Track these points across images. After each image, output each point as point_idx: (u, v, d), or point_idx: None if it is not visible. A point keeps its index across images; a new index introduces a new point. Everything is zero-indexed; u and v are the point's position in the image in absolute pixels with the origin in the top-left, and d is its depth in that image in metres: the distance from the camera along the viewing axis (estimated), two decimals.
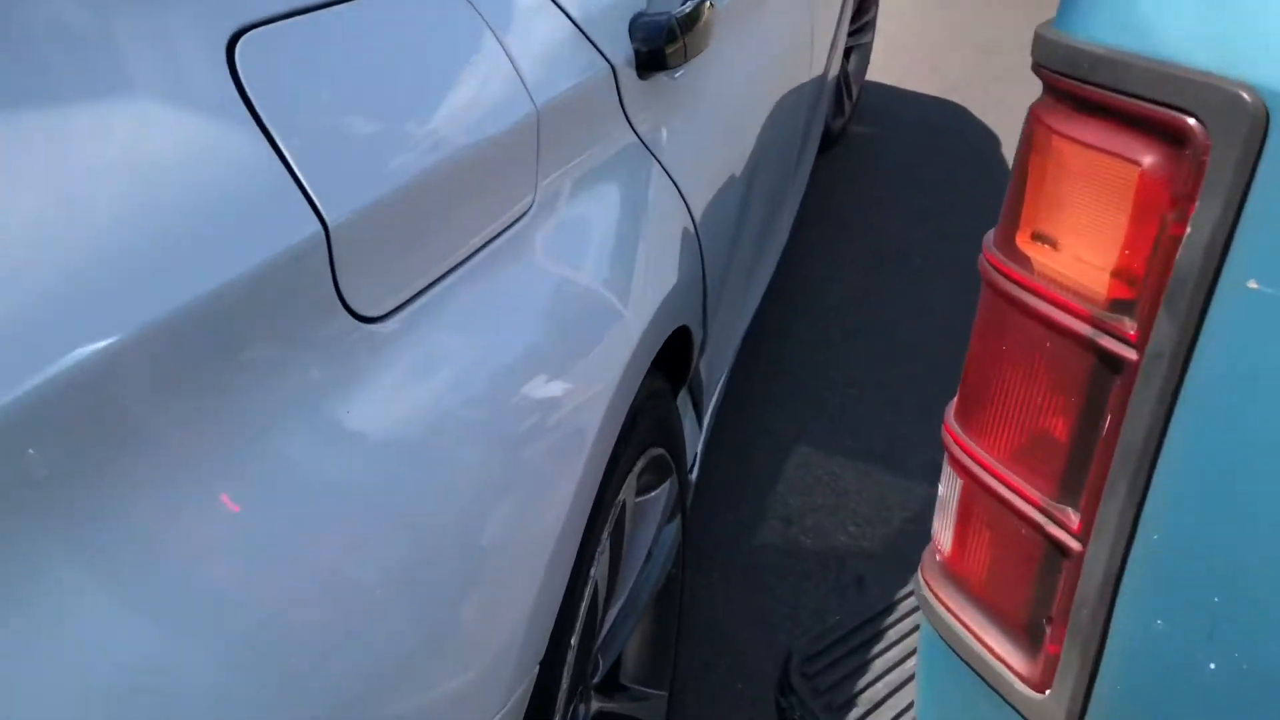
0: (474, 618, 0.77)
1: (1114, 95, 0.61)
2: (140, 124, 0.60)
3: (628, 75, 1.22)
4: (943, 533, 0.80)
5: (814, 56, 2.48)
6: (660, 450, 1.25)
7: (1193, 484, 0.61)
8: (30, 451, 0.49)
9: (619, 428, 1.03)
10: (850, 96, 3.78)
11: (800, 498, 2.11)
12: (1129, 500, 0.63)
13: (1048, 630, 0.70)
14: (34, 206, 0.52)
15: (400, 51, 0.84)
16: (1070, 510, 0.68)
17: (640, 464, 1.18)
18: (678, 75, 1.38)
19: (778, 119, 1.99)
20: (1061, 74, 0.64)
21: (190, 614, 0.56)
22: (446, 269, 0.81)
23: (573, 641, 0.97)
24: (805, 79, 2.35)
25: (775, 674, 1.70)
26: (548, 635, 0.88)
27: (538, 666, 0.86)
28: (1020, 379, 0.70)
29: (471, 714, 0.78)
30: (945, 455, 0.79)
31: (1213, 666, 0.62)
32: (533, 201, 0.96)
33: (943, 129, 4.09)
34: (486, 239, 0.87)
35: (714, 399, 1.76)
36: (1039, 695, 0.71)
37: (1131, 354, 0.62)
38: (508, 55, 0.96)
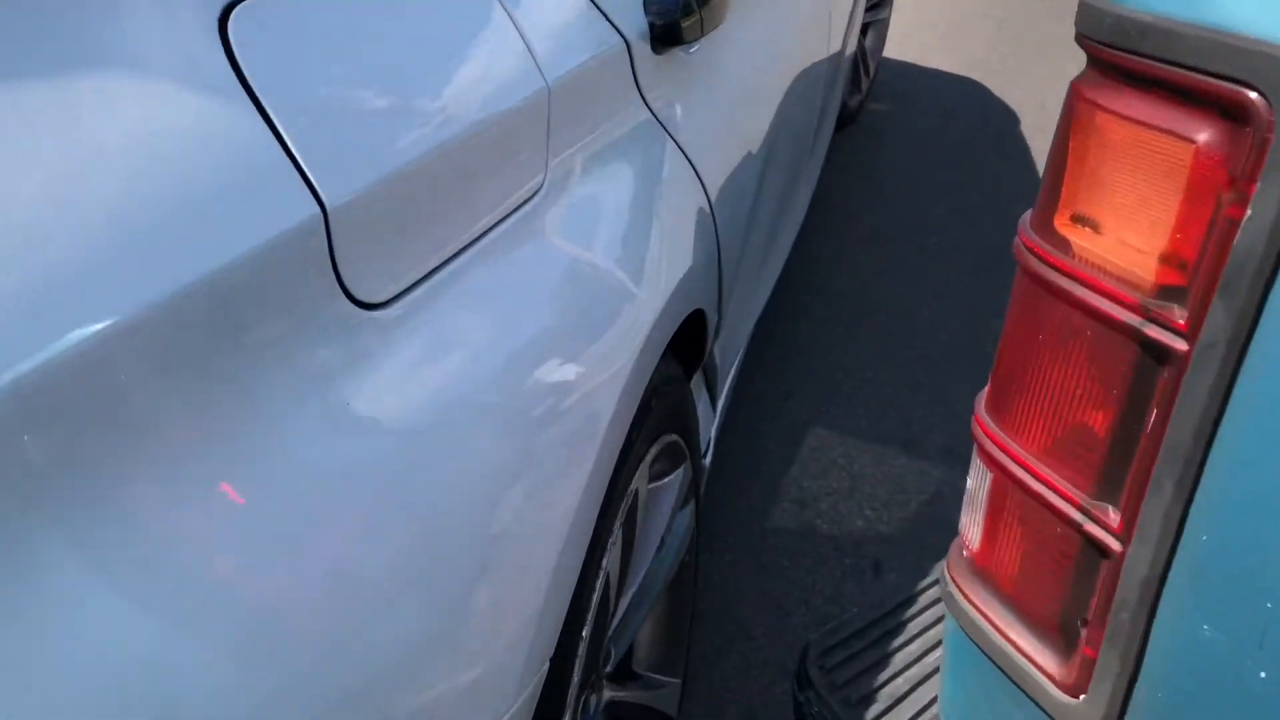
0: (483, 614, 0.74)
1: (1166, 67, 0.57)
2: (126, 101, 0.57)
3: (642, 50, 1.18)
4: (971, 527, 0.77)
5: (831, 32, 2.43)
6: (674, 437, 1.22)
7: (1245, 483, 0.57)
8: (26, 438, 0.47)
9: (632, 415, 1.00)
10: (867, 73, 3.73)
11: (815, 481, 2.09)
12: (1175, 499, 0.59)
13: (1083, 632, 0.67)
14: (24, 189, 0.51)
15: (403, 25, 0.80)
16: (1110, 508, 0.64)
17: (654, 451, 1.15)
18: (693, 50, 1.34)
19: (794, 96, 1.95)
20: (1107, 45, 0.60)
21: (193, 607, 0.54)
22: (453, 253, 0.78)
23: (584, 634, 0.94)
24: (822, 55, 2.31)
25: (790, 659, 1.69)
26: (559, 630, 0.85)
27: (548, 663, 0.83)
28: (1057, 369, 0.66)
29: (480, 712, 0.75)
30: (974, 447, 0.76)
31: (1263, 675, 0.58)
32: (543, 181, 0.93)
33: (961, 106, 4.03)
34: (495, 220, 0.84)
35: (728, 383, 1.73)
36: (1073, 700, 0.68)
37: (1181, 344, 0.58)
38: (517, 29, 0.92)
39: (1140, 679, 0.64)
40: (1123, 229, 0.62)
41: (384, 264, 0.70)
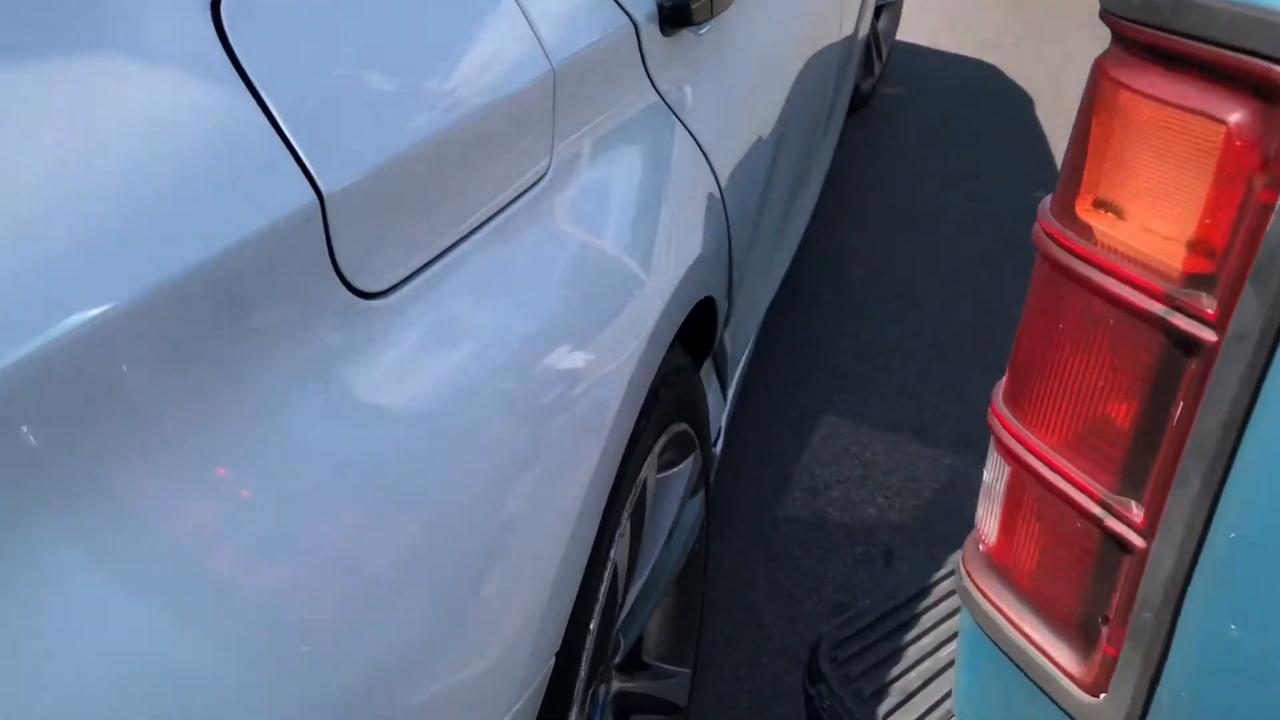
0: (486, 609, 0.73)
1: (1196, 44, 0.54)
2: (117, 88, 0.55)
3: (650, 32, 1.15)
4: (987, 521, 0.75)
5: (844, 14, 2.39)
6: (683, 426, 1.20)
7: (1275, 478, 0.55)
8: (23, 426, 0.46)
9: (640, 404, 0.98)
10: (880, 56, 3.70)
11: (826, 469, 2.07)
12: (1202, 494, 0.57)
13: (1104, 630, 0.65)
14: (16, 176, 0.49)
15: (403, 7, 0.78)
16: (1133, 503, 0.62)
17: (662, 441, 1.13)
18: (703, 32, 1.32)
19: (806, 79, 1.92)
20: (1134, 21, 0.58)
21: (193, 597, 0.53)
22: (454, 240, 0.76)
23: (591, 627, 0.93)
24: (834, 38, 2.27)
25: (801, 648, 1.68)
26: (565, 624, 0.83)
27: (553, 659, 0.82)
28: (1078, 360, 0.64)
29: (484, 708, 0.74)
30: (991, 439, 0.74)
31: None
32: (549, 166, 0.91)
33: (974, 90, 3.99)
34: (498, 207, 0.82)
35: (739, 371, 1.71)
36: (1093, 699, 0.66)
37: (1210, 335, 0.56)
38: (521, 10, 0.90)
39: (1163, 679, 0.62)
40: (1148, 214, 0.60)
41: (383, 252, 0.68)
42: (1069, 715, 0.69)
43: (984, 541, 0.75)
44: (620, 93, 1.08)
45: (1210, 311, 0.56)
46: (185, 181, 0.55)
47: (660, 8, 1.17)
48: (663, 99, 1.18)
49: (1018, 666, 0.71)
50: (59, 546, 0.48)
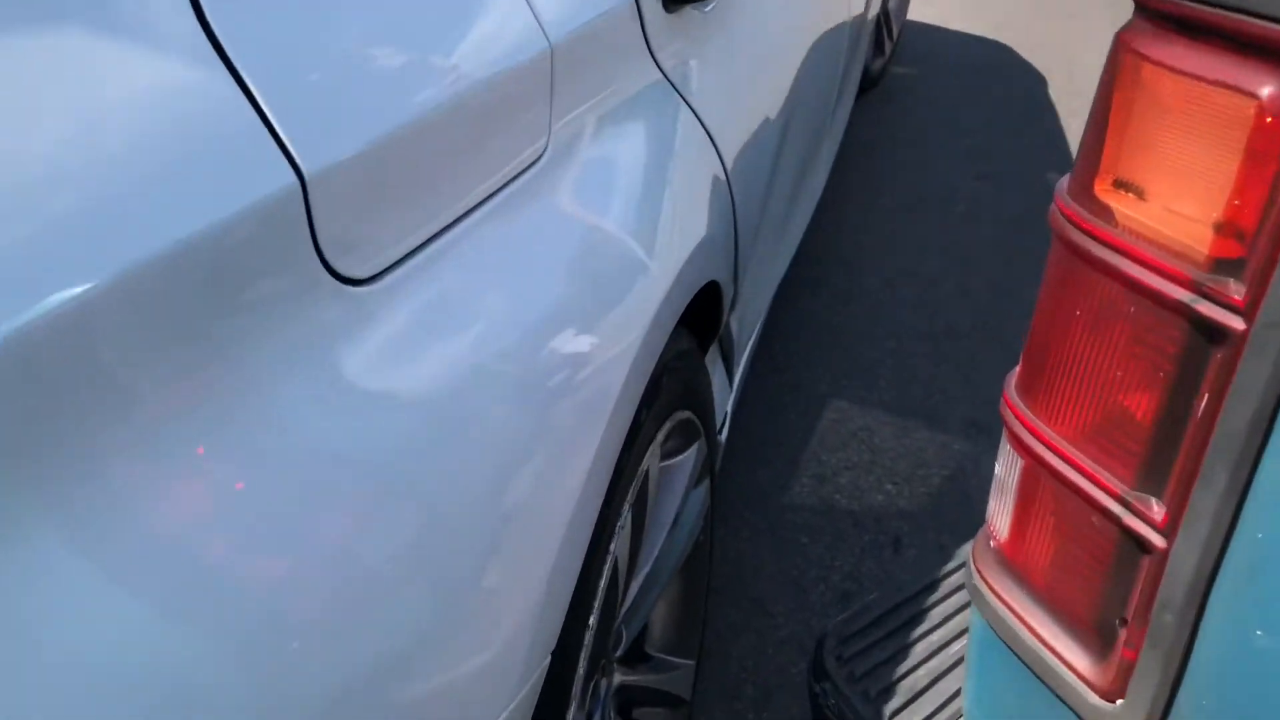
0: (478, 607, 0.70)
1: (1225, 13, 0.51)
2: (89, 64, 0.53)
3: (652, 7, 1.12)
4: (999, 517, 0.72)
5: None
6: (687, 413, 1.17)
7: None
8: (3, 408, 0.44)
9: (641, 392, 0.95)
10: (891, 36, 3.65)
11: (834, 455, 2.05)
12: (1228, 492, 0.54)
13: (1122, 633, 0.62)
14: None
15: None
16: (1153, 500, 0.59)
17: (666, 429, 1.10)
18: (708, 9, 1.28)
19: (815, 59, 1.88)
20: None
21: (178, 589, 0.51)
22: (446, 223, 0.73)
23: (591, 623, 0.90)
24: (844, 17, 2.23)
25: (808, 638, 1.66)
26: (561, 623, 0.81)
27: (549, 658, 0.79)
28: (1096, 349, 0.61)
29: (477, 707, 0.71)
30: (1004, 431, 0.71)
31: None
32: (546, 146, 0.87)
33: (986, 69, 3.95)
34: (493, 189, 0.79)
35: (745, 355, 1.67)
36: (1109, 705, 0.63)
37: (1238, 323, 0.53)
38: None
39: (1184, 685, 0.59)
40: (1172, 195, 0.57)
41: (370, 237, 0.65)
42: None
43: (995, 538, 0.72)
44: (621, 70, 1.05)
45: (1238, 298, 0.53)
46: (158, 163, 0.53)
47: None
48: (666, 77, 1.14)
49: (1030, 669, 0.68)
50: (39, 532, 0.46)
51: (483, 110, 0.78)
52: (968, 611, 0.98)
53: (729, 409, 1.56)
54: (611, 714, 1.18)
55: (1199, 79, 0.54)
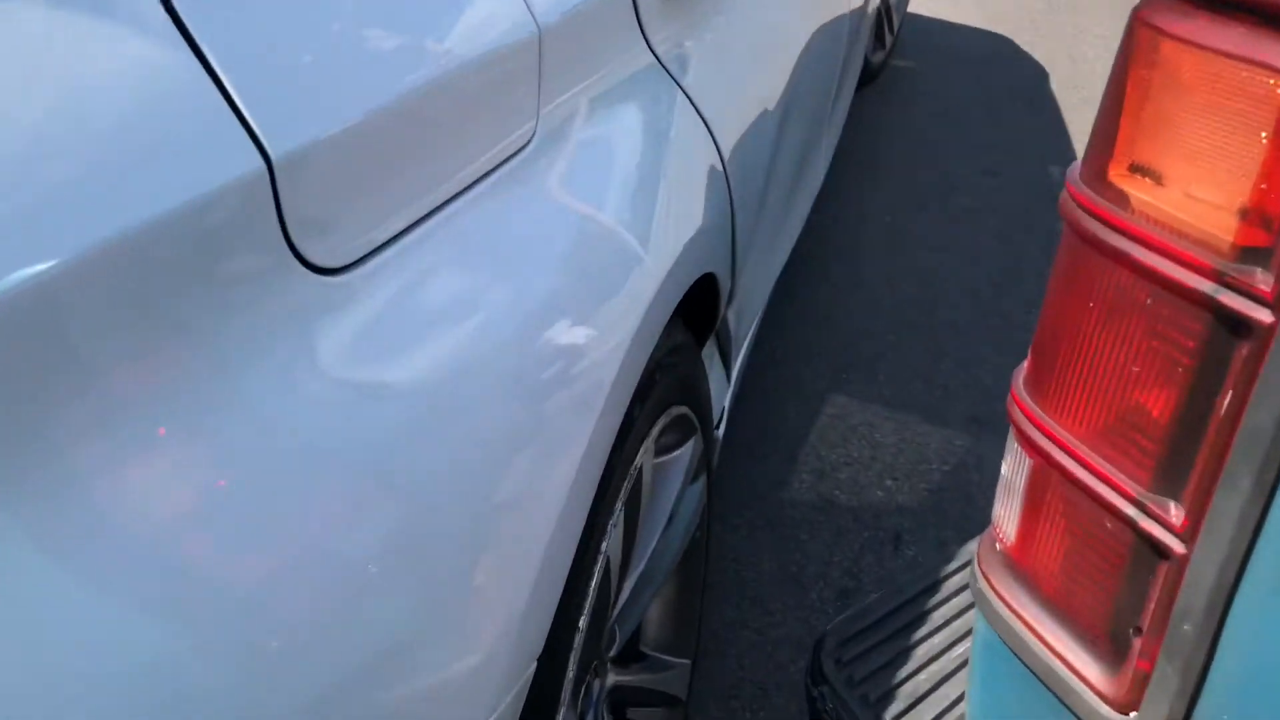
0: (459, 612, 0.67)
1: None
2: (42, 37, 0.50)
3: None
4: (1005, 519, 0.68)
5: None
6: (683, 408, 1.14)
7: None
8: None
9: (634, 386, 0.92)
10: (891, 29, 3.63)
11: (834, 450, 2.03)
12: (1254, 494, 0.51)
13: (1136, 643, 0.59)
14: None
15: None
16: (1171, 503, 0.56)
17: (660, 424, 1.07)
18: None
19: (814, 50, 1.85)
20: None
21: (131, 583, 0.48)
22: (425, 211, 0.69)
23: (581, 625, 0.87)
24: (844, 9, 2.20)
25: (807, 635, 1.63)
26: (548, 626, 0.78)
27: (535, 663, 0.76)
28: (1111, 342, 0.58)
29: (459, 713, 0.68)
30: (1011, 429, 0.68)
31: None
32: (534, 131, 0.84)
33: (988, 62, 3.92)
34: (477, 175, 0.76)
35: (743, 350, 1.64)
36: (1122, 717, 0.60)
37: (1264, 315, 0.50)
38: None
39: (1202, 698, 0.56)
40: (1193, 179, 0.53)
41: (343, 224, 0.62)
42: None
43: (1002, 541, 0.69)
44: (613, 54, 1.01)
45: (1265, 288, 0.50)
46: (118, 146, 0.50)
47: None
48: (659, 61, 1.11)
49: (1039, 679, 0.65)
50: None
51: (465, 93, 0.75)
52: (971, 614, 0.95)
53: (726, 404, 1.53)
54: (605, 714, 1.15)
55: (1223, 55, 0.50)
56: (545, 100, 0.86)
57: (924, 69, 3.85)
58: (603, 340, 0.86)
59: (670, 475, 1.21)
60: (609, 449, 0.87)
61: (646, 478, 1.09)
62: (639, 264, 0.94)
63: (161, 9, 0.54)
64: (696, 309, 1.23)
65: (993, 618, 0.69)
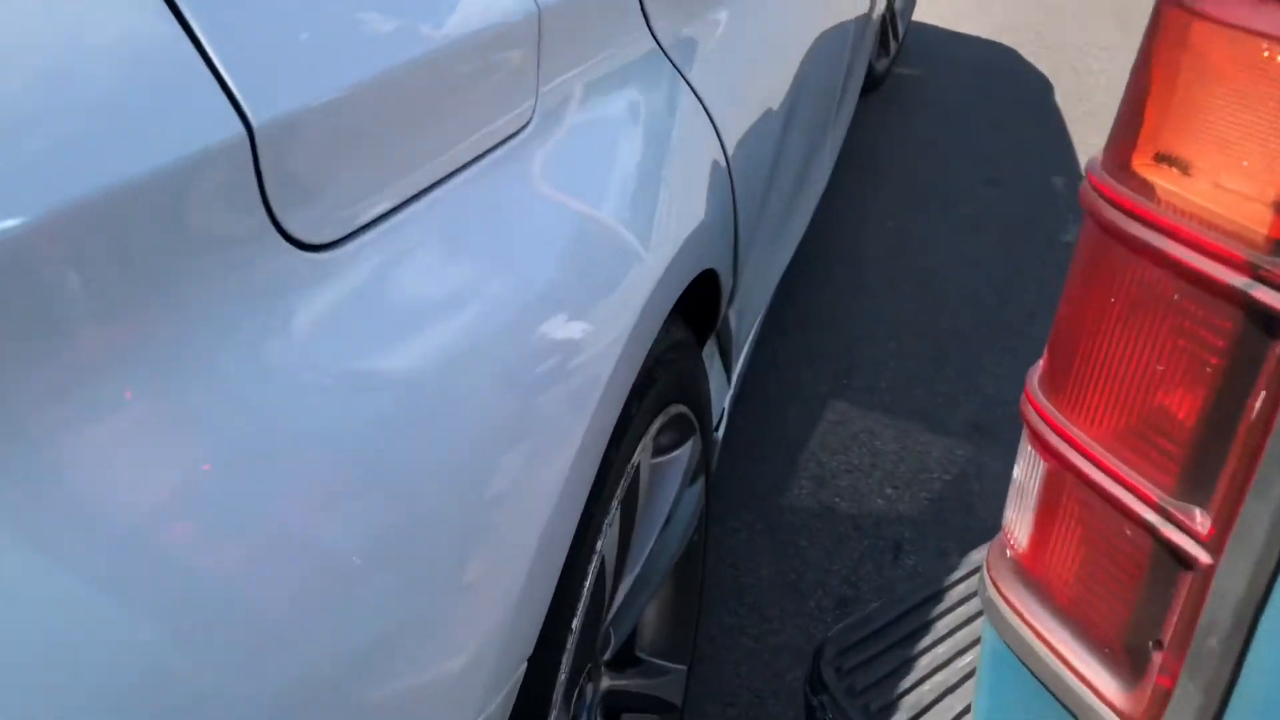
0: (443, 608, 0.64)
1: None
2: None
3: None
4: (1017, 525, 0.65)
5: None
6: (682, 407, 1.11)
7: None
8: None
9: (631, 383, 0.89)
10: (896, 36, 3.62)
11: (835, 457, 2.00)
12: None
13: (1156, 657, 0.56)
14: None
15: None
16: (1196, 511, 0.53)
17: (658, 423, 1.04)
18: None
19: (820, 55, 1.83)
20: None
21: (115, 571, 0.46)
22: (417, 190, 0.66)
23: (574, 626, 0.84)
24: (849, 16, 2.18)
25: (805, 643, 1.61)
26: (539, 626, 0.75)
27: (524, 665, 0.73)
28: (1133, 340, 0.55)
29: (440, 716, 0.65)
30: (1024, 431, 0.65)
31: None
32: (533, 111, 0.81)
33: (992, 73, 3.91)
34: (472, 156, 0.73)
35: (744, 351, 1.62)
36: None
37: None
38: None
39: (1226, 717, 0.53)
40: (1223, 169, 0.51)
41: (328, 200, 0.59)
42: None
43: (1013, 548, 0.66)
44: (614, 36, 0.99)
45: None
46: (95, 108, 0.47)
47: None
48: (660, 47, 1.08)
49: (1050, 693, 0.62)
50: None
51: (461, 69, 0.72)
52: (977, 624, 0.92)
53: (726, 405, 1.50)
54: (598, 719, 1.12)
55: (1258, 34, 0.48)
56: (544, 81, 0.83)
57: (928, 77, 3.84)
58: (599, 332, 0.83)
59: (668, 476, 1.18)
60: (604, 445, 0.84)
61: (644, 477, 1.07)
62: (638, 256, 0.92)
63: None
64: (698, 307, 1.21)
65: (1002, 627, 0.66)
